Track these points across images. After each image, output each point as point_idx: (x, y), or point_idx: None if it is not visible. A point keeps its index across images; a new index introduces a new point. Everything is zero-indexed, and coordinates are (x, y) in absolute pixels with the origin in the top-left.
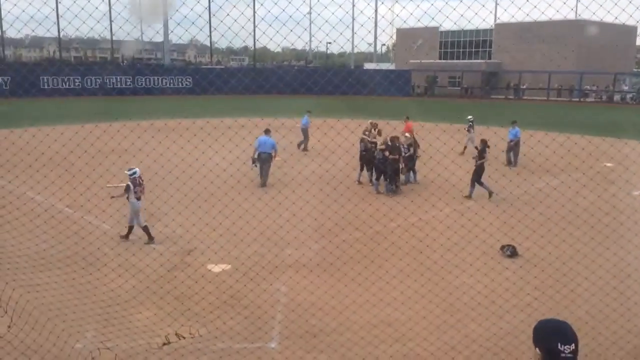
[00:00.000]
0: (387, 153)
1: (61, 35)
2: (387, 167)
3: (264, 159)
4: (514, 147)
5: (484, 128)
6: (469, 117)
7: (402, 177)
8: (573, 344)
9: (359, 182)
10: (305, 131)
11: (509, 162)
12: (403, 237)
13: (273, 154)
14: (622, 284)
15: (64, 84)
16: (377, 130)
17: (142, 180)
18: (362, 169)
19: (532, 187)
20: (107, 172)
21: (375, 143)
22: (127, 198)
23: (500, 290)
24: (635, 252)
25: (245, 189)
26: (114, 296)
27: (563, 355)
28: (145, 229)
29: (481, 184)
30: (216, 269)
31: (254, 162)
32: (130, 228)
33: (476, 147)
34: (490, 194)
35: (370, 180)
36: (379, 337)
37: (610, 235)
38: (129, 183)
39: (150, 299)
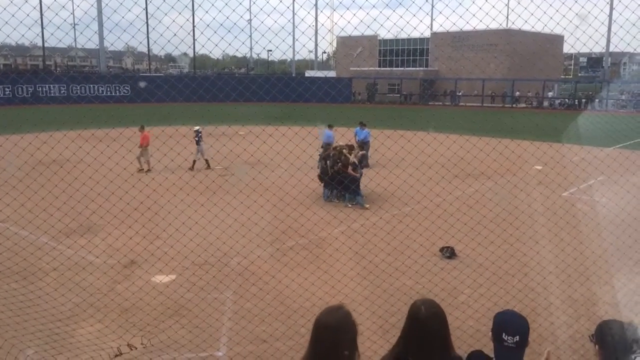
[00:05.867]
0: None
1: None
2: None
3: (325, 148)
4: (363, 148)
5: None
6: (196, 127)
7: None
8: (517, 336)
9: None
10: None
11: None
12: (347, 242)
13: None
14: (557, 279)
15: None
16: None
17: None
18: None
19: (468, 188)
20: (49, 182)
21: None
22: None
23: (436, 291)
24: (567, 249)
25: (188, 196)
26: (56, 312)
27: (506, 344)
28: None
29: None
30: (163, 279)
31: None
32: None
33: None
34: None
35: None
36: None
37: (545, 234)
38: None
39: (94, 313)
